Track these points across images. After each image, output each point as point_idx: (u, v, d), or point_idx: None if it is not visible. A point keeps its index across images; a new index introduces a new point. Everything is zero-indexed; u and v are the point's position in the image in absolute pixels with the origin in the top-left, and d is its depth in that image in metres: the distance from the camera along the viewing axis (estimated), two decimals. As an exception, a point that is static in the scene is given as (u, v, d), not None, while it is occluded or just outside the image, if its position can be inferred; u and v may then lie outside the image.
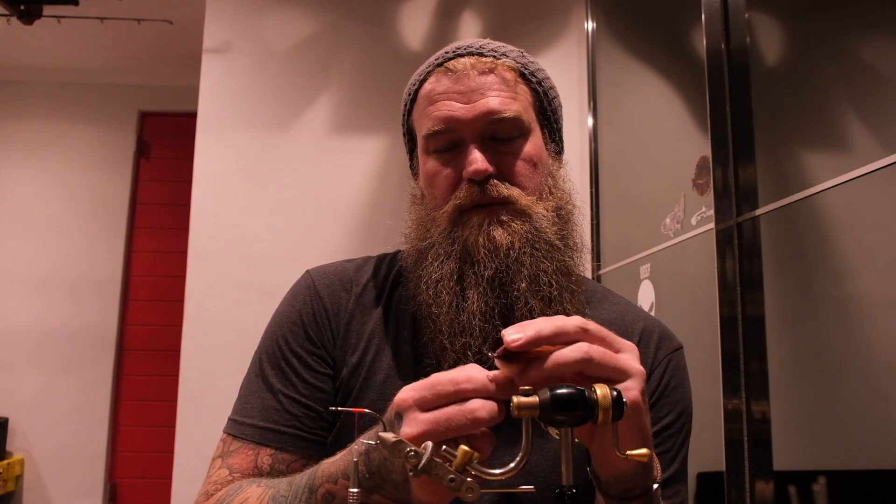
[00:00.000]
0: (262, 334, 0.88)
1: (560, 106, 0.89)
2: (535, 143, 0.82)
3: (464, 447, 0.54)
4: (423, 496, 0.58)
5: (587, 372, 0.56)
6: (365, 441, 0.63)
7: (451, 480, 0.53)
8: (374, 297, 0.87)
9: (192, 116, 2.79)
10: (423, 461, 0.53)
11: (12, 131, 3.95)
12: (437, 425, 0.55)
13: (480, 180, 0.78)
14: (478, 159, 0.77)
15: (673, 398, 0.83)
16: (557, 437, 0.55)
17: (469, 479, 0.53)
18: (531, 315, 0.76)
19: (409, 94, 0.87)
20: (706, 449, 1.60)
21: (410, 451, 0.53)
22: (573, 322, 0.58)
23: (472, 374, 0.57)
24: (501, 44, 0.85)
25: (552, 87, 0.87)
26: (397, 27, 2.91)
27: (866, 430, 1.36)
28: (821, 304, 1.53)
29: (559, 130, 0.89)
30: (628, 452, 0.56)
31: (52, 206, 3.90)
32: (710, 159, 1.70)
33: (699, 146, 1.84)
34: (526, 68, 0.84)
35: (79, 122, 3.98)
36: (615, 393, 0.53)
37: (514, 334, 0.56)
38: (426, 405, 0.57)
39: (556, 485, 0.54)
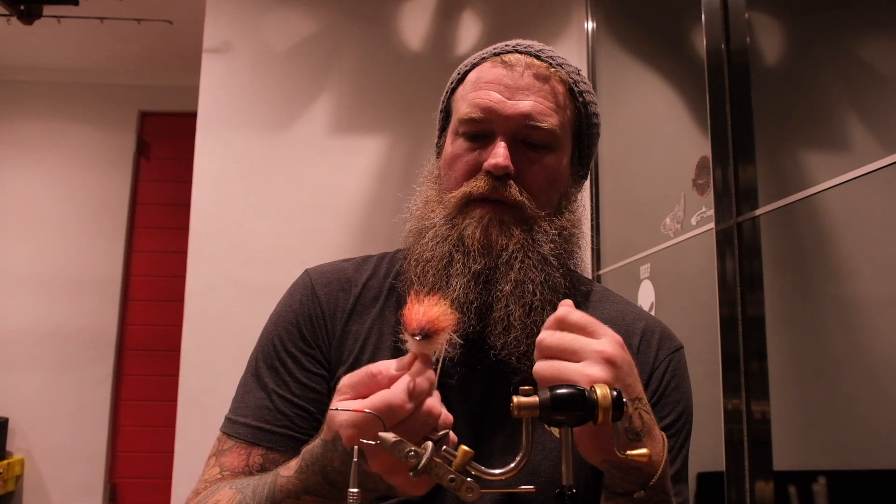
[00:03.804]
0: (260, 333, 0.88)
1: (598, 134, 0.89)
2: (560, 161, 0.82)
3: (464, 447, 0.54)
4: (405, 486, 0.58)
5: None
6: (313, 451, 0.64)
7: (452, 480, 0.53)
8: (373, 297, 0.87)
9: (192, 116, 2.79)
10: (423, 461, 0.53)
11: (12, 131, 3.95)
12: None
13: (498, 176, 0.78)
14: (502, 154, 0.77)
15: (673, 398, 0.83)
16: (557, 436, 0.55)
17: (469, 479, 0.53)
18: (508, 318, 0.76)
19: (459, 75, 0.87)
20: (706, 449, 1.60)
21: (411, 451, 0.53)
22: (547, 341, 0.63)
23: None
24: (560, 55, 0.85)
25: (595, 114, 0.87)
26: (397, 27, 2.91)
27: (866, 430, 1.36)
28: (821, 304, 1.53)
29: (589, 157, 0.89)
30: (628, 452, 0.56)
31: (52, 206, 3.90)
32: (710, 159, 1.70)
33: (699, 146, 1.84)
34: (577, 86, 0.84)
35: (79, 122, 3.98)
36: (615, 393, 0.53)
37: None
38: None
39: (557, 485, 0.54)
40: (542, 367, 0.61)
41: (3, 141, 3.94)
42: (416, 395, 0.56)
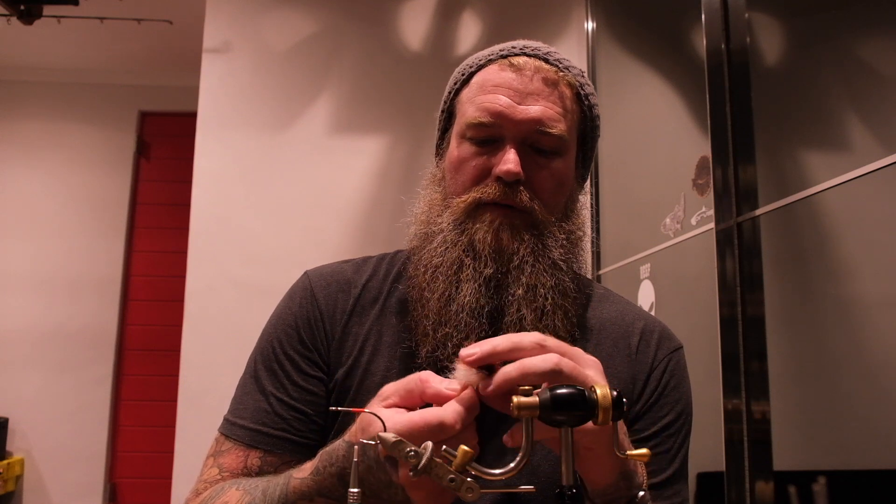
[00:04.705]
0: (259, 335, 0.88)
1: (598, 136, 0.89)
2: (567, 165, 0.82)
3: (464, 447, 0.54)
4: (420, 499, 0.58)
5: (553, 383, 0.56)
6: (334, 452, 0.65)
7: (452, 480, 0.53)
8: (373, 298, 0.86)
9: (192, 116, 2.79)
10: (423, 461, 0.53)
11: (12, 131, 3.95)
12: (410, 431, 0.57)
13: (509, 182, 0.77)
14: (513, 161, 0.76)
15: (673, 398, 0.83)
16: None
17: (469, 479, 0.53)
18: (521, 322, 0.76)
19: (463, 75, 0.86)
20: (706, 449, 1.60)
21: (410, 451, 0.53)
22: (530, 338, 0.60)
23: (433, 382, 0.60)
24: (565, 56, 0.84)
25: (598, 116, 0.87)
26: (397, 27, 2.91)
27: (866, 430, 1.36)
28: (821, 304, 1.53)
29: (590, 159, 0.89)
30: (628, 452, 0.56)
31: (52, 206, 3.90)
32: (710, 159, 1.70)
33: (699, 146, 1.84)
34: (582, 89, 0.84)
35: (79, 122, 3.98)
36: (615, 393, 0.53)
37: (470, 350, 0.59)
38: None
39: (557, 485, 0.54)
40: (562, 362, 0.58)
41: (3, 141, 3.94)
42: (465, 420, 0.58)
